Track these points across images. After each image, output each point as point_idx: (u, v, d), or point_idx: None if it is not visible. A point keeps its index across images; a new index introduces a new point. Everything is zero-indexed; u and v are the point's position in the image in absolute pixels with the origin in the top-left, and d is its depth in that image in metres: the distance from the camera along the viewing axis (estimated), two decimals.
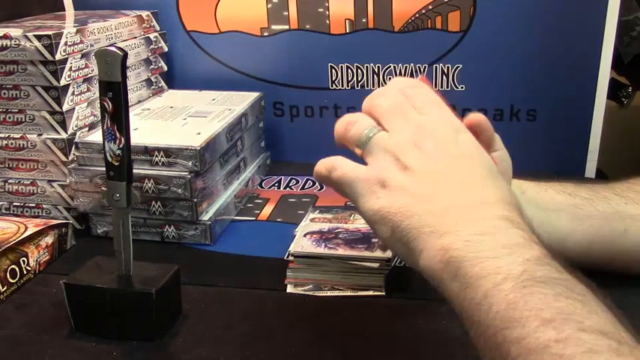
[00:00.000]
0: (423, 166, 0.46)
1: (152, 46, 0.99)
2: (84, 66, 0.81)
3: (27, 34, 0.75)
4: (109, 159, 0.57)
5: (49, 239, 0.75)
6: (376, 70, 0.99)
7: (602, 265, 0.63)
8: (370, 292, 0.66)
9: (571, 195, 0.63)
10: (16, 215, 0.83)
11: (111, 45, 0.64)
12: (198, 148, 0.75)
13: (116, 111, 0.55)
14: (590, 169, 0.97)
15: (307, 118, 1.04)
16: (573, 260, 0.61)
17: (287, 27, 1.00)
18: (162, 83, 1.04)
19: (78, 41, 0.80)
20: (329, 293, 0.67)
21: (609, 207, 0.62)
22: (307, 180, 0.98)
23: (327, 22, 0.99)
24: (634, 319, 0.60)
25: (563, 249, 0.62)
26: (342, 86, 1.01)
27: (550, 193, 0.63)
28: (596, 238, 0.62)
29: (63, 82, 0.78)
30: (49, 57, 0.76)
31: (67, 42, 0.78)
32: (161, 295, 0.59)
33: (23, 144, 0.80)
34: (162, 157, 0.76)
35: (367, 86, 1.01)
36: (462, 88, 0.98)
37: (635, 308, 0.62)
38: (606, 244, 0.62)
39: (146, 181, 0.76)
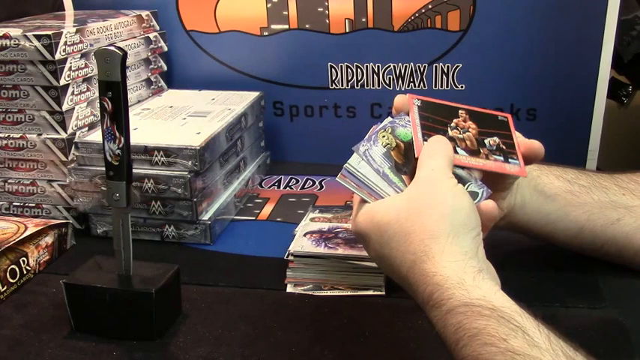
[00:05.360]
0: None
1: (152, 46, 0.99)
2: (83, 66, 0.81)
3: (27, 33, 0.75)
4: (109, 159, 0.57)
5: (48, 239, 0.75)
6: (376, 69, 0.99)
7: (592, 250, 0.65)
8: (370, 292, 0.66)
9: (570, 182, 0.65)
10: (16, 215, 0.83)
11: (110, 45, 0.64)
12: (198, 147, 0.75)
13: (116, 111, 0.55)
14: (590, 169, 0.97)
15: (307, 117, 1.04)
16: (562, 245, 0.66)
17: (287, 26, 1.00)
18: (162, 83, 1.04)
19: (77, 41, 0.80)
20: (329, 293, 0.67)
21: (606, 196, 0.64)
22: (307, 179, 0.98)
23: (327, 21, 0.98)
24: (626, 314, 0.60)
25: (553, 231, 0.65)
26: (342, 86, 1.01)
27: (550, 178, 0.65)
28: (587, 225, 0.64)
29: (62, 81, 0.78)
30: (48, 57, 0.76)
31: (66, 42, 0.78)
32: (161, 295, 0.59)
33: (23, 144, 0.80)
34: (161, 156, 0.76)
35: (367, 86, 1.01)
36: (461, 87, 0.98)
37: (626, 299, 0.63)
38: (597, 231, 0.64)
39: (146, 180, 0.76)
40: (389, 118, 0.59)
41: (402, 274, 0.48)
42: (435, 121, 0.58)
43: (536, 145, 0.60)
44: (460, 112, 0.60)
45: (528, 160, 0.60)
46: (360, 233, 0.52)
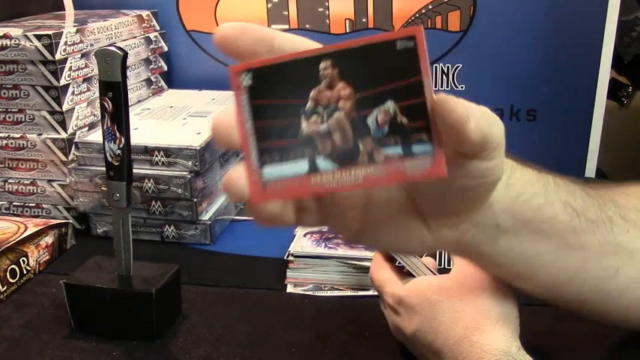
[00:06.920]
0: None
1: (152, 46, 0.99)
2: (84, 66, 0.81)
3: (27, 33, 0.75)
4: (109, 159, 0.57)
5: (48, 239, 0.75)
6: None
7: (570, 305, 0.51)
8: (370, 292, 0.66)
9: (577, 213, 0.46)
10: (16, 215, 0.83)
11: (111, 45, 0.64)
12: (198, 147, 0.75)
13: (116, 111, 0.55)
14: (590, 169, 0.97)
15: None
16: (530, 292, 0.50)
17: (287, 27, 1.00)
18: (162, 83, 1.04)
19: (78, 41, 0.80)
20: (329, 293, 0.67)
21: (610, 235, 0.48)
22: None
23: (327, 21, 0.98)
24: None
25: (531, 276, 0.47)
26: None
27: (555, 208, 0.45)
28: (578, 275, 0.48)
29: (63, 81, 0.78)
30: (49, 57, 0.76)
31: (67, 42, 0.78)
32: (161, 295, 0.59)
33: (23, 144, 0.80)
34: (162, 156, 0.76)
35: None
36: (461, 87, 0.98)
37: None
38: (587, 286, 0.49)
39: (146, 180, 0.76)
40: None
41: (446, 345, 0.50)
42: (279, 113, 0.33)
43: (447, 111, 0.33)
44: (324, 64, 0.32)
45: (452, 135, 0.33)
46: (409, 306, 0.53)
